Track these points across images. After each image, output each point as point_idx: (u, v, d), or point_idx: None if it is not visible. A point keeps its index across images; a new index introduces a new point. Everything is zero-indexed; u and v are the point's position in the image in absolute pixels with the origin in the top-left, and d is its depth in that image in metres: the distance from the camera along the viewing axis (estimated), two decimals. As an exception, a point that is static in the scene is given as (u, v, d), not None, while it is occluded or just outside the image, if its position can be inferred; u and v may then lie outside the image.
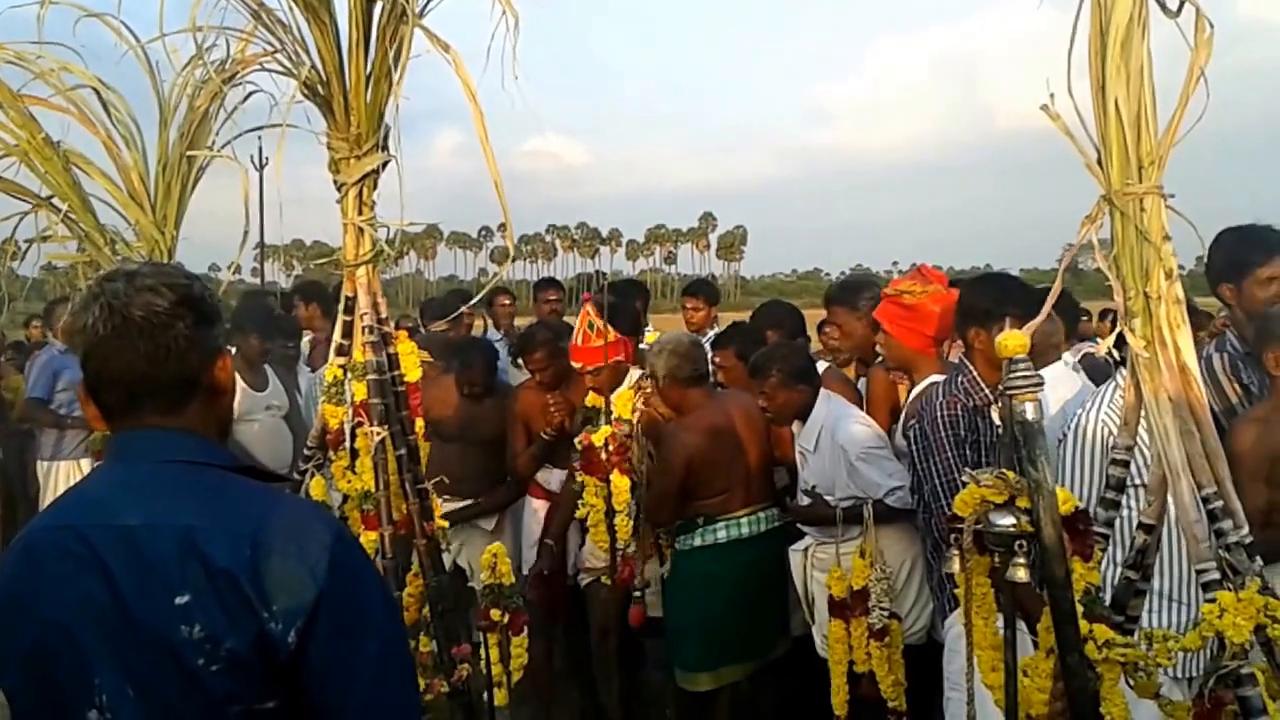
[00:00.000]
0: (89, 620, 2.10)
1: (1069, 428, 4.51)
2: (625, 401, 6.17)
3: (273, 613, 2.05)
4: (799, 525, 5.89)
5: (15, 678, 2.20)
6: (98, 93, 4.95)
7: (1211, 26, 2.72)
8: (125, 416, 2.25)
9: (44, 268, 5.76)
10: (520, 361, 7.31)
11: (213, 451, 2.29)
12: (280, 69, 4.28)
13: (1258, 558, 2.71)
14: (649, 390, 6.14)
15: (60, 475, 9.42)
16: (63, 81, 4.93)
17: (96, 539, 2.13)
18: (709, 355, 6.53)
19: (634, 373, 6.54)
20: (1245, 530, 2.70)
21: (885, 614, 5.21)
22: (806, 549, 5.71)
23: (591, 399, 6.43)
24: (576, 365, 6.50)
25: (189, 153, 4.98)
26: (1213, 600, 2.62)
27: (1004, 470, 2.84)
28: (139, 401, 2.23)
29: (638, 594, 6.12)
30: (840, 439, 5.56)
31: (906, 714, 5.30)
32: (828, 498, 5.60)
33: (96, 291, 2.22)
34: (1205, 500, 2.70)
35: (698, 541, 5.91)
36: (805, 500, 5.71)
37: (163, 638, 2.05)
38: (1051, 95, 2.84)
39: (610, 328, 6.38)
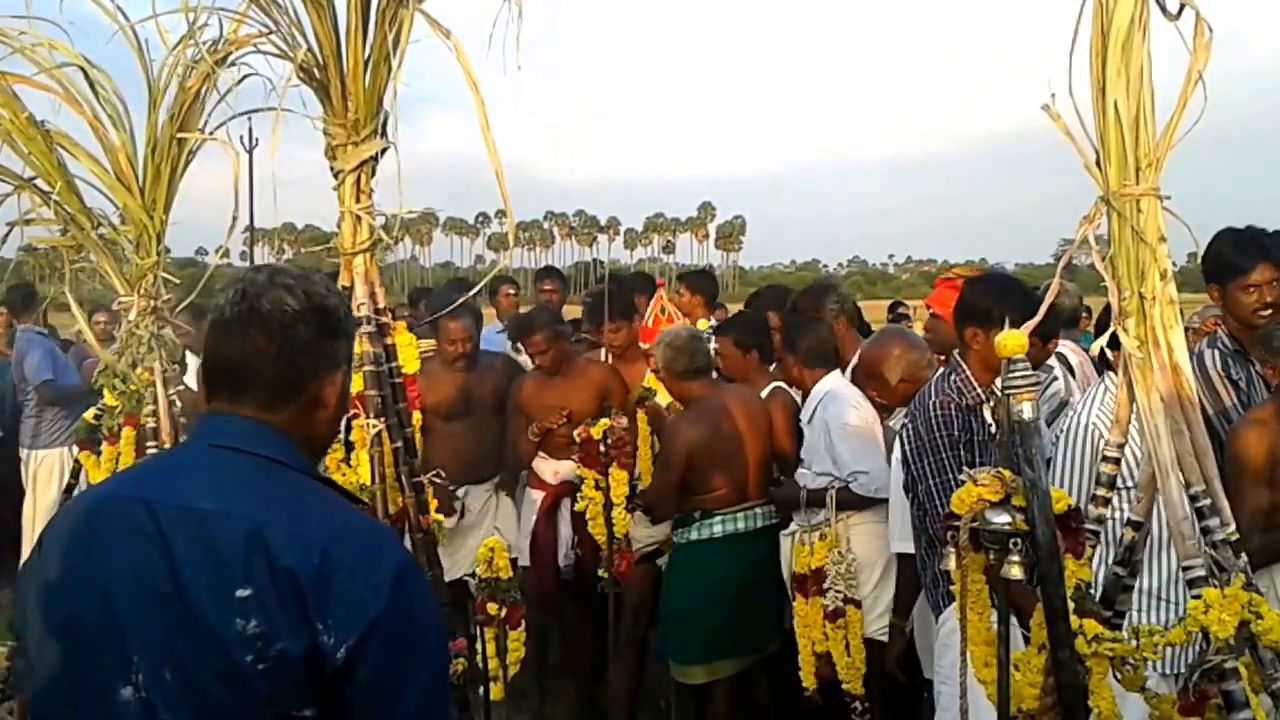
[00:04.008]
0: (139, 598, 2.17)
1: (1062, 428, 4.70)
2: None
3: (327, 625, 2.11)
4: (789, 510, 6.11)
5: (47, 648, 2.28)
6: (85, 72, 4.94)
7: (1211, 30, 2.87)
8: (226, 400, 2.36)
9: (22, 249, 5.83)
10: (519, 345, 7.50)
11: (298, 455, 2.38)
12: (275, 51, 4.28)
13: (1243, 554, 2.88)
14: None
15: (43, 463, 9.69)
16: (48, 59, 4.96)
17: (165, 516, 2.22)
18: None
19: None
20: (1232, 528, 2.85)
21: (840, 597, 5.46)
22: (794, 533, 5.92)
23: (650, 380, 6.66)
24: (644, 346, 6.82)
25: (179, 135, 5.02)
26: (1199, 596, 2.76)
27: (1000, 469, 3.01)
28: (240, 389, 2.34)
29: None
30: (827, 413, 5.81)
31: (864, 699, 5.56)
32: (807, 471, 5.84)
33: (241, 278, 2.37)
34: (1193, 498, 2.85)
35: (694, 535, 6.08)
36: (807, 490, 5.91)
37: (214, 628, 2.11)
38: (1053, 95, 2.99)
39: (679, 313, 6.63)
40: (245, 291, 2.33)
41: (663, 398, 6.68)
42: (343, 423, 4.35)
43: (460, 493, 6.91)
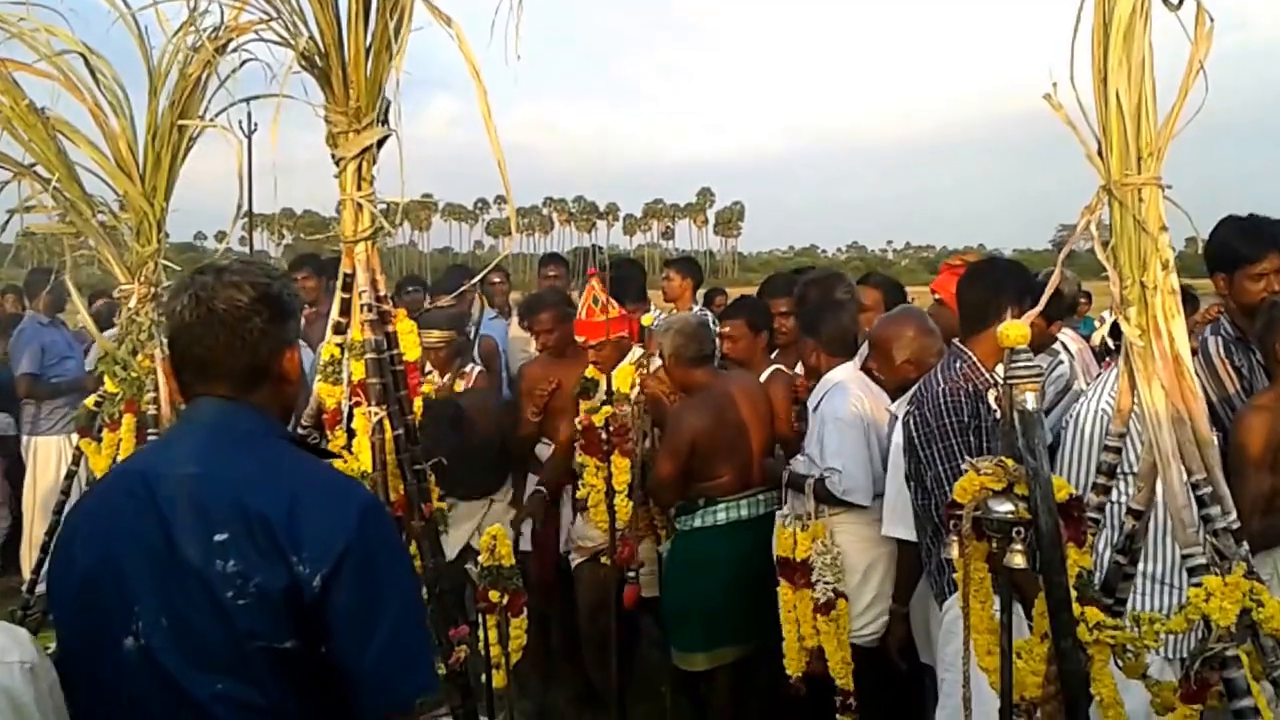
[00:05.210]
0: (137, 554, 2.47)
1: (1072, 413, 4.71)
2: (625, 377, 6.42)
3: (301, 557, 2.39)
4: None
5: (66, 609, 2.61)
6: (85, 59, 4.97)
7: (1211, 20, 2.88)
8: (203, 387, 2.65)
9: (21, 234, 5.86)
10: (527, 325, 7.59)
11: (272, 424, 2.71)
12: (276, 39, 4.29)
13: (1244, 543, 2.91)
14: (649, 369, 6.35)
15: (42, 449, 9.75)
16: (48, 46, 4.98)
17: (157, 483, 2.52)
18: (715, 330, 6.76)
19: (635, 350, 6.74)
20: (1233, 516, 2.87)
21: (829, 589, 5.47)
22: (786, 516, 5.90)
23: (591, 372, 6.65)
24: (579, 339, 6.71)
25: (180, 122, 5.04)
26: (1199, 584, 2.79)
27: (1003, 458, 3.02)
28: (214, 380, 2.62)
29: (631, 574, 6.32)
30: (828, 403, 5.81)
31: (854, 694, 5.53)
32: (803, 457, 5.86)
33: (188, 282, 2.64)
34: (1194, 486, 2.87)
35: (698, 523, 6.09)
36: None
37: (200, 571, 2.40)
38: (1054, 84, 3.01)
39: (614, 303, 6.60)
40: (198, 296, 2.60)
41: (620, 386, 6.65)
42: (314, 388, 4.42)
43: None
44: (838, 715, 5.58)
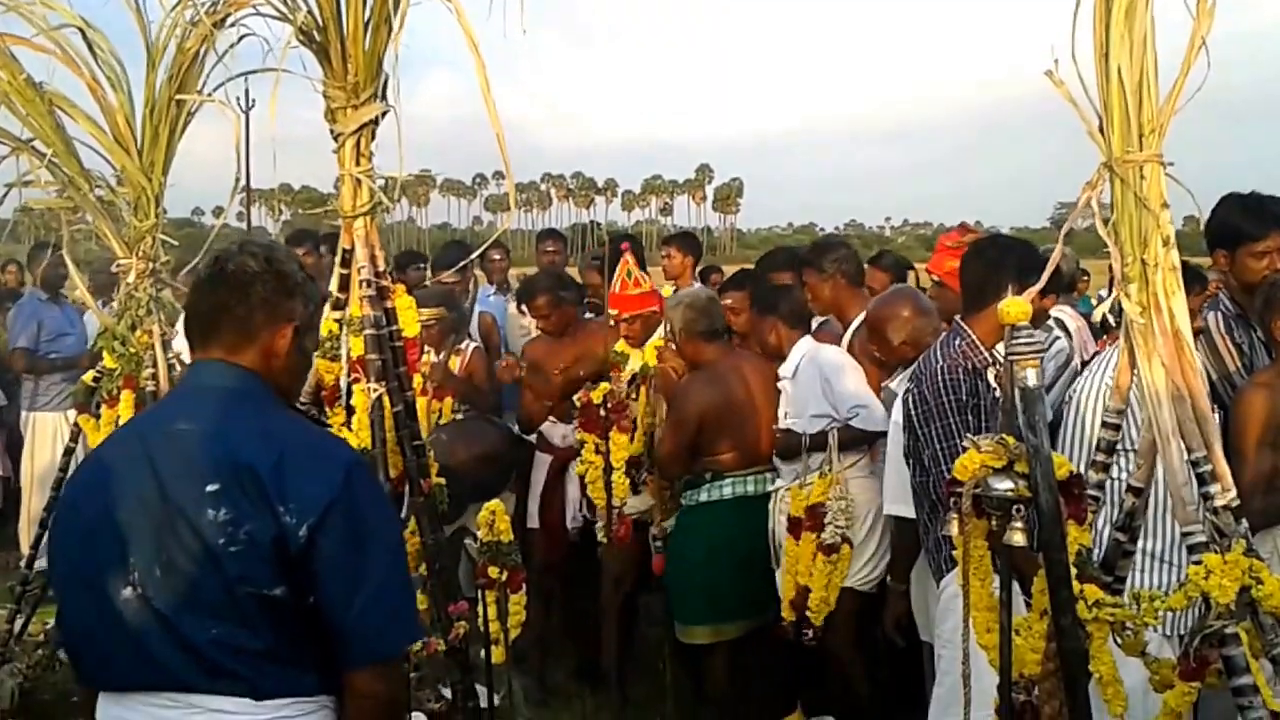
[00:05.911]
0: (133, 508, 2.62)
1: (1075, 388, 4.70)
2: (653, 351, 6.50)
3: (289, 508, 2.53)
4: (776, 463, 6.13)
5: (66, 566, 2.76)
6: (83, 33, 4.98)
7: (1213, -5, 2.88)
8: (200, 348, 2.82)
9: (19, 209, 5.87)
10: (524, 310, 7.62)
11: (268, 390, 2.82)
12: (274, 13, 4.28)
13: (1244, 520, 2.90)
14: (666, 346, 6.38)
15: (40, 425, 9.74)
16: (46, 20, 4.97)
17: (152, 440, 2.71)
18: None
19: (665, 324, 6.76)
20: (1233, 494, 2.88)
21: (839, 534, 5.50)
22: (777, 490, 5.96)
23: (621, 346, 6.67)
24: (613, 312, 6.77)
25: (177, 97, 5.04)
26: (1199, 562, 2.79)
27: (1003, 435, 3.02)
28: (209, 337, 2.78)
29: (659, 544, 6.37)
30: (818, 360, 5.85)
31: (818, 631, 5.59)
32: (796, 421, 5.86)
33: (219, 250, 2.86)
34: (1194, 464, 2.87)
35: (704, 498, 6.09)
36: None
37: (192, 519, 2.55)
38: (1055, 61, 3.00)
39: (646, 278, 6.62)
40: (218, 258, 2.81)
41: (636, 360, 6.67)
42: (309, 374, 4.42)
43: None
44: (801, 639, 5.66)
